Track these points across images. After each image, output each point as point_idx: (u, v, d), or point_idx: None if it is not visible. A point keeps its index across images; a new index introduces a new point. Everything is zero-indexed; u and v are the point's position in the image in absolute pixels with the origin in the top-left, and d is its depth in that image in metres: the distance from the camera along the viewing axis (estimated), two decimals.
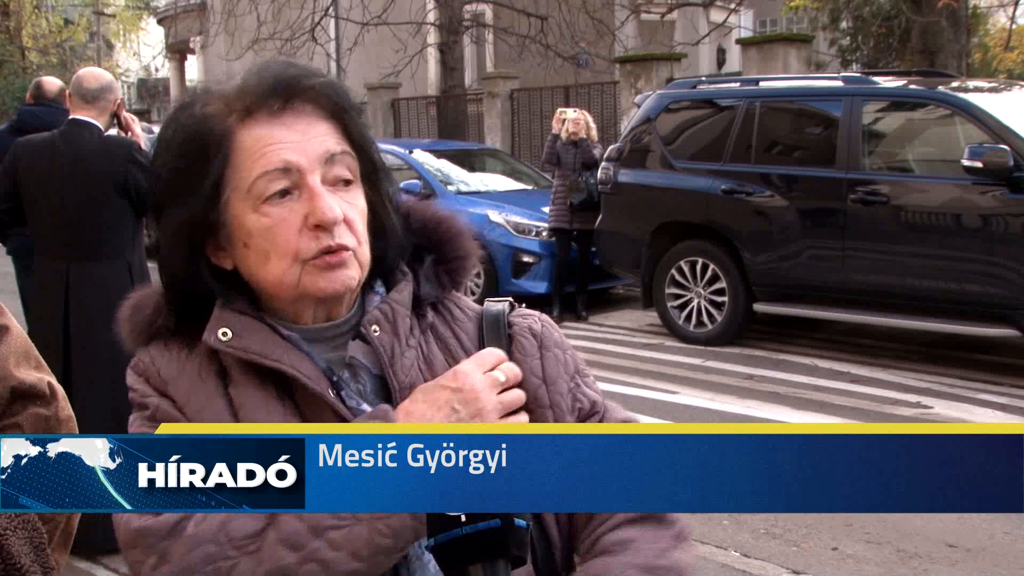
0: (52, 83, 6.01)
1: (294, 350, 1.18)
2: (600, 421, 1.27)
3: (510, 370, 1.20)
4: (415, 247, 1.28)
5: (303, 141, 1.14)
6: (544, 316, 1.32)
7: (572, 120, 9.40)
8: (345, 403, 1.17)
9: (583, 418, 1.26)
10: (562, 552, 1.25)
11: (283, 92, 1.15)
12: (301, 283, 1.15)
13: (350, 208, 1.16)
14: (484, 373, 1.17)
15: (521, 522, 1.08)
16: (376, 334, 1.20)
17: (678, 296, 8.35)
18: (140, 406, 1.19)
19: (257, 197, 1.14)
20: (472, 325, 1.29)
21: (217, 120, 1.16)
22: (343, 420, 1.15)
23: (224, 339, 1.16)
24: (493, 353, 1.21)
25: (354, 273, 1.17)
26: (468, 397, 1.15)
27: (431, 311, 1.28)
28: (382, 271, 1.25)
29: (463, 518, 1.05)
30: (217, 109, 1.16)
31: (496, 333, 1.27)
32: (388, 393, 1.19)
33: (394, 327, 1.21)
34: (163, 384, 1.19)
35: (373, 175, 1.22)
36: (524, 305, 1.34)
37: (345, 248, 1.15)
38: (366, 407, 1.17)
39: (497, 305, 1.31)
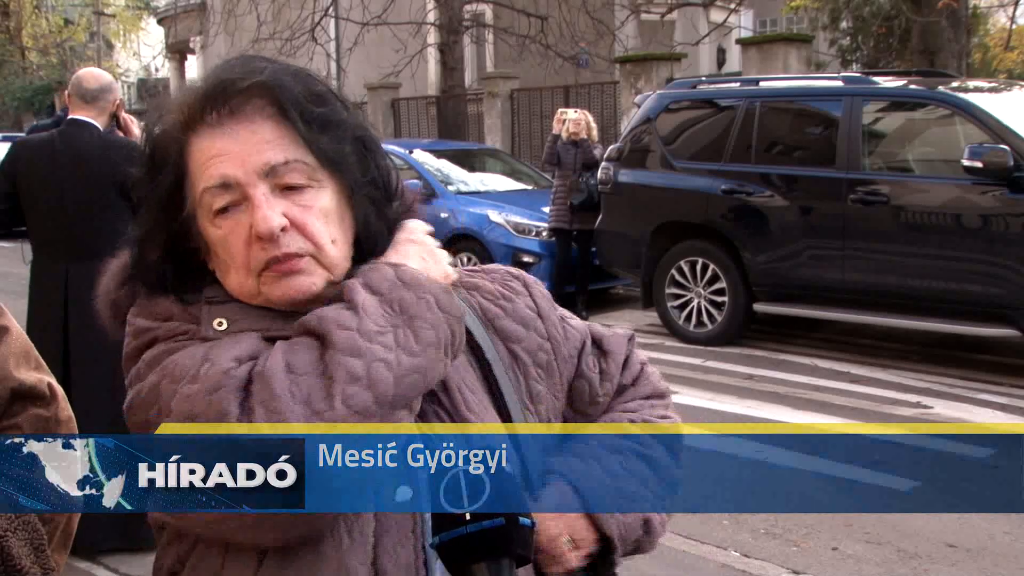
0: None
1: (295, 318, 1.15)
2: (591, 348, 1.35)
3: None
4: None
5: (242, 152, 1.12)
6: (512, 268, 1.38)
7: (573, 120, 9.39)
8: None
9: (580, 352, 1.32)
10: None
11: (220, 97, 1.13)
12: (261, 292, 1.15)
13: (303, 212, 1.13)
14: (423, 233, 1.23)
15: (525, 521, 1.07)
16: None
17: (678, 296, 8.34)
18: (169, 336, 1.14)
19: (208, 210, 1.14)
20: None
21: (173, 131, 1.15)
22: None
23: (220, 328, 1.15)
24: (420, 224, 1.24)
25: (314, 280, 1.15)
26: (427, 250, 1.20)
27: None
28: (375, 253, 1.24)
29: (467, 516, 1.05)
30: (175, 119, 1.16)
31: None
32: None
33: None
34: (192, 319, 1.15)
35: (332, 168, 1.16)
36: None
37: (295, 256, 1.13)
38: None
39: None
